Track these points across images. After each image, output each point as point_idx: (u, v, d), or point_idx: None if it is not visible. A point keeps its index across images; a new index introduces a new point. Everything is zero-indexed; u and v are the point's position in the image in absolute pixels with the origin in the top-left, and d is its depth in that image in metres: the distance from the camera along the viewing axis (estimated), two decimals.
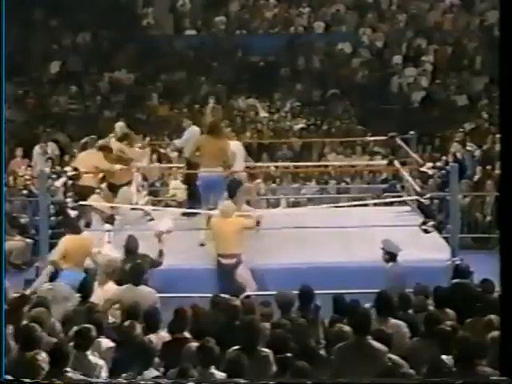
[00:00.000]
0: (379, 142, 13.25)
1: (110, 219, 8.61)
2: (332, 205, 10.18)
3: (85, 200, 8.48)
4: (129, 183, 9.16)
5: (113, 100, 16.61)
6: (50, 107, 16.34)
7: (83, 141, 11.17)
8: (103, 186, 9.14)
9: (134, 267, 6.49)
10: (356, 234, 8.27)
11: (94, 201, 8.67)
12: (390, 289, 6.19)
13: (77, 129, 15.35)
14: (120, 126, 9.89)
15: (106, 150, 9.03)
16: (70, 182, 8.57)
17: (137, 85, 17.01)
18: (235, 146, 8.89)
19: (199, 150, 8.47)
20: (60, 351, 4.75)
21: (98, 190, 9.06)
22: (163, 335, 5.56)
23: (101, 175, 9.03)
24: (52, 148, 14.08)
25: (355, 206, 10.20)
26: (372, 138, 12.81)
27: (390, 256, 7.05)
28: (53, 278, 6.73)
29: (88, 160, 8.88)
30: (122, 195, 8.93)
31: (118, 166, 8.88)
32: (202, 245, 8.15)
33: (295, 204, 11.42)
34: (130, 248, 7.19)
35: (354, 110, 16.00)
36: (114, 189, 8.99)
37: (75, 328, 5.30)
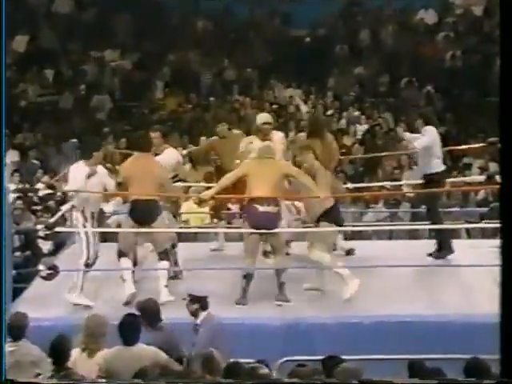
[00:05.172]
0: (476, 150, 13.27)
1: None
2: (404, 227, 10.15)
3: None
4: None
5: (102, 90, 16.85)
6: (14, 99, 16.60)
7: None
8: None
9: (126, 320, 6.54)
10: (441, 275, 8.33)
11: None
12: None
13: (51, 129, 15.60)
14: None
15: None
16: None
17: (135, 69, 17.27)
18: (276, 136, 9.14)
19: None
20: None
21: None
22: None
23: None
24: (12, 157, 14.32)
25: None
26: (466, 146, 12.78)
27: (201, 304, 7.07)
28: (18, 332, 6.57)
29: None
30: None
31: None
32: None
33: (355, 235, 11.47)
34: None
35: (440, 105, 16.06)
36: None
37: None
